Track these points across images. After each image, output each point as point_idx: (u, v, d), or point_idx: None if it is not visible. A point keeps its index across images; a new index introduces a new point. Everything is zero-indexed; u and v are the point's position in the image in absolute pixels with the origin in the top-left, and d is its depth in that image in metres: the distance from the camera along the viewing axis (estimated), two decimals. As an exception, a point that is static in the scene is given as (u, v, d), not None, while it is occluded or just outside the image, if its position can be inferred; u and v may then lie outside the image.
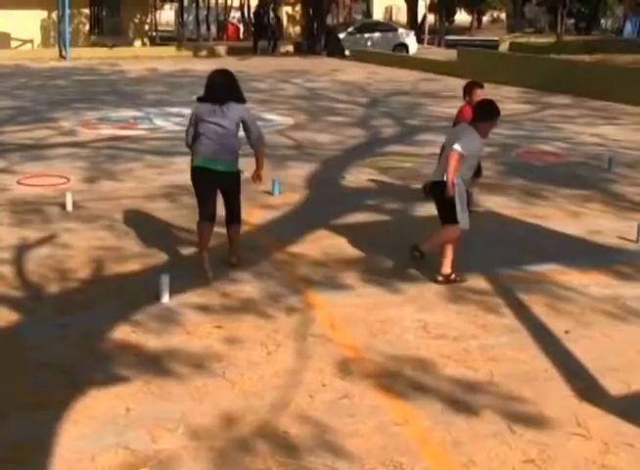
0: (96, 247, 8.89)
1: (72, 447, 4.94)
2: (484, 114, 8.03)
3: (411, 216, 10.53)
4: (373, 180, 12.53)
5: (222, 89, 8.18)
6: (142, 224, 9.79)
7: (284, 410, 5.42)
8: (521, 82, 26.01)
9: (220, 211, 8.35)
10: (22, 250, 8.76)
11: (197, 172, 8.21)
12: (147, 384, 5.76)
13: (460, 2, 70.51)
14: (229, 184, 8.30)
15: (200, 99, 8.25)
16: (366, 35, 43.70)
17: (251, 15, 50.61)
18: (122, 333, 6.64)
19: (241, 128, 8.17)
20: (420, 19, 60.70)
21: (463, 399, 5.63)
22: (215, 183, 8.21)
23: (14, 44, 41.21)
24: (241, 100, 8.26)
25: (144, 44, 45.42)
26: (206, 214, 8.22)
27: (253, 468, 4.78)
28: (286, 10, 59.79)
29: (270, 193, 11.29)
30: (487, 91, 10.16)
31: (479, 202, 11.06)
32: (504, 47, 46.24)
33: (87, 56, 37.79)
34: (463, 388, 5.79)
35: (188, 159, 10.72)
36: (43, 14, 41.70)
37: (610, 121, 19.31)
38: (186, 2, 60.03)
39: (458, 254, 8.41)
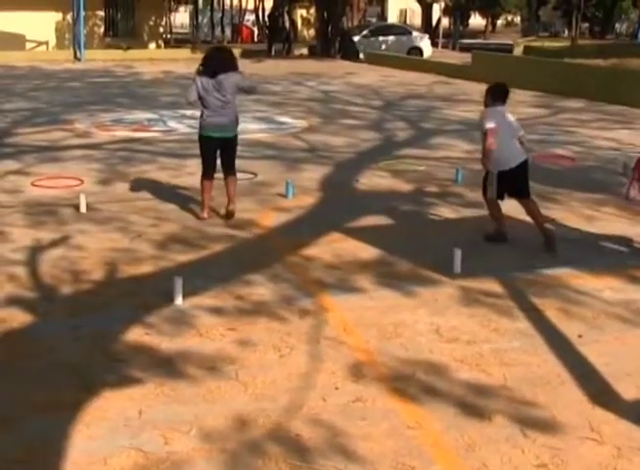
0: (109, 249, 8.91)
1: (85, 449, 4.95)
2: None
3: (425, 220, 10.51)
4: (386, 183, 12.52)
5: (215, 63, 9.83)
6: (155, 226, 9.81)
7: (296, 413, 5.42)
8: (535, 86, 25.93)
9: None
10: (35, 251, 8.79)
11: (205, 140, 10.06)
12: (160, 386, 5.77)
13: (474, 6, 70.40)
14: (230, 145, 10.21)
15: (199, 73, 9.84)
16: (380, 38, 43.71)
17: (266, 17, 50.62)
18: (135, 335, 6.65)
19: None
20: (434, 22, 60.76)
21: (476, 402, 5.62)
22: (218, 146, 10.08)
23: (29, 46, 41.38)
24: (234, 69, 9.89)
25: (158, 46, 45.56)
26: (211, 173, 10.15)
27: (265, 471, 4.79)
28: (300, 13, 59.95)
29: (284, 196, 11.29)
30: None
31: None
32: (518, 51, 46.17)
33: (102, 58, 37.90)
34: (476, 392, 5.78)
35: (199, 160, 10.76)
36: (58, 16, 41.88)
37: (624, 126, 19.25)
38: (201, 4, 60.25)
39: (471, 257, 8.43)
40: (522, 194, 9.31)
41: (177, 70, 32.17)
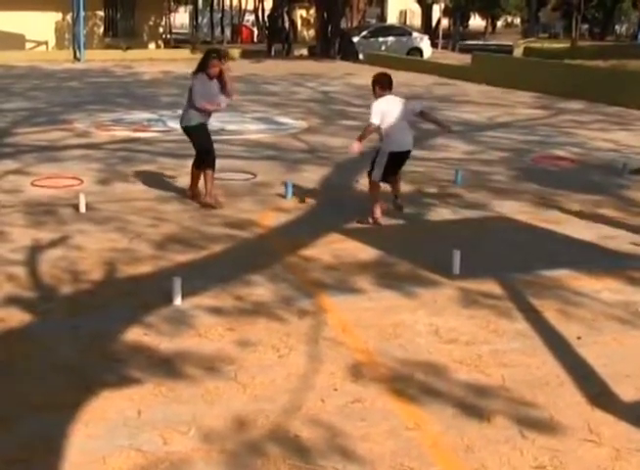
0: (109, 249, 8.91)
1: (84, 449, 4.95)
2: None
3: (424, 220, 10.52)
4: (386, 184, 12.50)
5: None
6: (154, 226, 9.81)
7: (295, 414, 5.42)
8: (535, 87, 25.95)
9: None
10: (34, 251, 8.79)
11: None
12: (159, 386, 5.77)
13: (474, 7, 70.44)
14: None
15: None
16: (380, 39, 43.77)
17: (266, 18, 50.66)
18: (134, 335, 6.65)
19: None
20: (434, 23, 60.79)
21: (475, 404, 5.62)
22: None
23: (28, 46, 41.45)
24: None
25: (158, 47, 45.60)
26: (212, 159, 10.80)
27: (264, 471, 4.79)
28: (300, 13, 60.02)
29: (283, 196, 11.29)
30: (500, 96, 10.16)
31: (493, 207, 11.08)
32: (518, 52, 46.20)
33: (101, 58, 37.95)
34: (475, 393, 5.78)
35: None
36: (58, 16, 41.92)
37: (624, 127, 19.27)
38: (200, 5, 60.25)
39: (471, 258, 8.43)
40: (396, 174, 10.32)
41: (177, 71, 32.17)
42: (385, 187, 10.26)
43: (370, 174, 10.18)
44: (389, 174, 10.15)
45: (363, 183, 12.43)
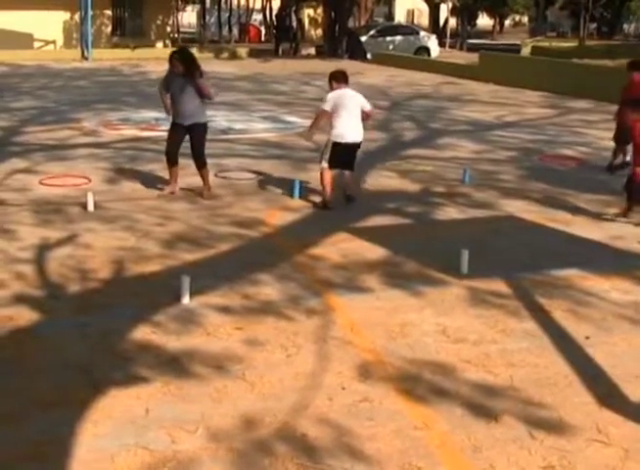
0: (116, 247, 8.92)
1: (92, 447, 4.95)
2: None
3: (432, 220, 10.51)
4: (394, 183, 12.51)
5: None
6: (162, 225, 9.82)
7: (303, 413, 5.42)
8: (542, 87, 25.91)
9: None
10: (43, 249, 8.80)
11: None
12: (166, 385, 5.77)
13: (482, 6, 70.33)
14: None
15: None
16: (388, 38, 43.72)
17: (273, 17, 50.65)
18: (142, 333, 6.65)
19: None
20: (442, 22, 60.70)
21: (483, 403, 5.61)
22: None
23: (36, 45, 41.45)
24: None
25: (166, 46, 45.53)
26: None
27: (272, 470, 4.79)
28: (307, 12, 59.97)
29: (290, 195, 11.29)
30: (508, 95, 10.16)
31: (501, 206, 11.06)
32: (526, 51, 46.15)
33: (109, 57, 37.96)
34: (483, 392, 5.78)
35: (208, 160, 10.84)
36: (66, 15, 41.93)
37: (632, 126, 19.18)
38: (208, 4, 60.26)
39: (479, 257, 8.43)
40: (347, 167, 10.94)
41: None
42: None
43: (320, 161, 10.91)
44: (337, 164, 10.77)
45: (370, 183, 12.46)
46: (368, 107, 10.90)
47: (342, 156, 10.71)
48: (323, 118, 10.84)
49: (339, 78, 10.87)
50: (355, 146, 10.83)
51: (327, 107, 10.65)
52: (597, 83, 24.23)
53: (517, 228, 10.12)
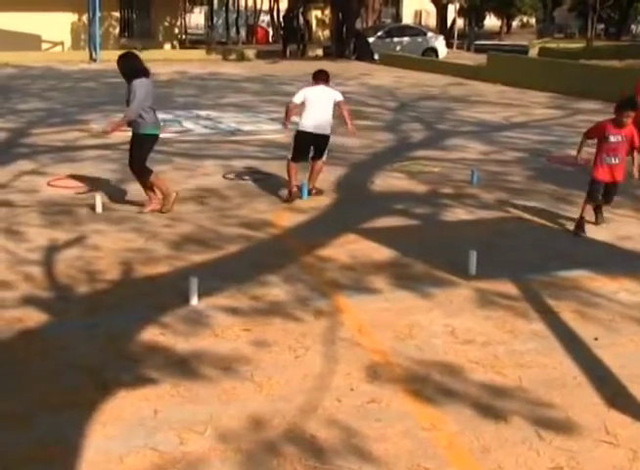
0: (125, 249, 8.93)
1: (100, 448, 4.96)
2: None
3: (440, 221, 10.50)
4: (401, 185, 12.51)
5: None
6: (170, 226, 9.83)
7: (311, 414, 5.42)
8: (550, 88, 25.90)
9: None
10: (51, 251, 8.82)
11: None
12: (175, 386, 5.78)
13: (489, 7, 70.24)
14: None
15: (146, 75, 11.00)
16: (395, 39, 43.74)
17: (281, 18, 50.66)
18: (151, 335, 6.66)
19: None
20: (449, 23, 60.66)
21: (491, 404, 5.61)
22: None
23: (44, 46, 41.58)
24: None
25: (173, 47, 45.68)
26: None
27: (281, 471, 4.79)
28: (315, 14, 59.98)
29: (299, 197, 11.29)
30: (516, 96, 10.13)
31: (509, 207, 11.05)
32: (533, 52, 46.07)
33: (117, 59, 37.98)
34: (491, 393, 5.77)
35: (216, 162, 10.85)
36: (74, 16, 42.07)
37: (640, 127, 19.16)
38: (216, 5, 60.28)
39: (487, 258, 8.42)
40: (315, 156, 11.42)
41: (192, 71, 32.23)
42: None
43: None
44: (301, 155, 11.33)
45: (378, 183, 12.46)
46: (339, 98, 11.42)
47: (304, 145, 11.27)
48: (293, 110, 11.45)
49: (317, 77, 11.55)
50: (317, 137, 11.26)
51: (295, 99, 11.32)
52: (605, 84, 24.18)
53: (525, 229, 10.11)
